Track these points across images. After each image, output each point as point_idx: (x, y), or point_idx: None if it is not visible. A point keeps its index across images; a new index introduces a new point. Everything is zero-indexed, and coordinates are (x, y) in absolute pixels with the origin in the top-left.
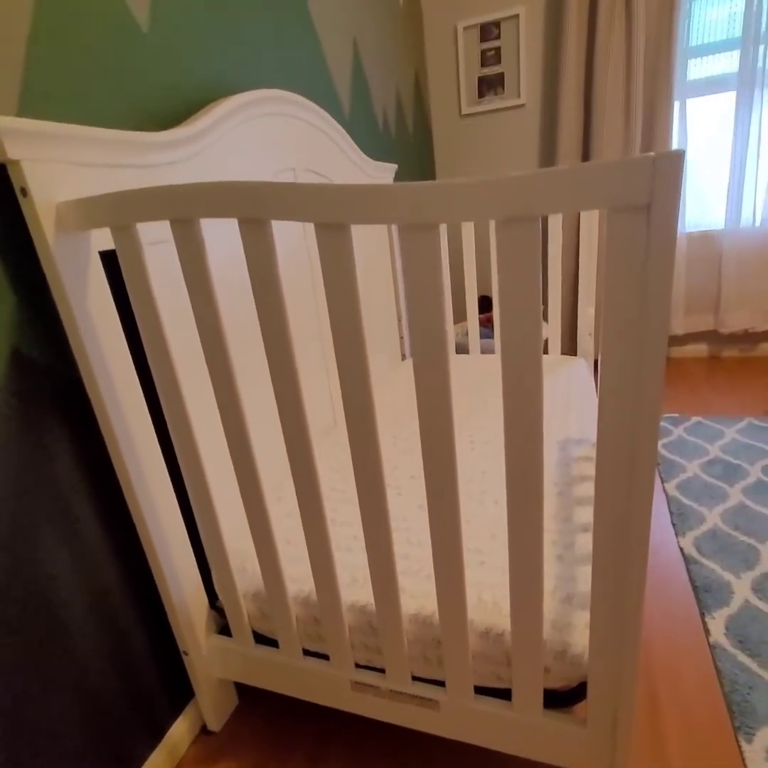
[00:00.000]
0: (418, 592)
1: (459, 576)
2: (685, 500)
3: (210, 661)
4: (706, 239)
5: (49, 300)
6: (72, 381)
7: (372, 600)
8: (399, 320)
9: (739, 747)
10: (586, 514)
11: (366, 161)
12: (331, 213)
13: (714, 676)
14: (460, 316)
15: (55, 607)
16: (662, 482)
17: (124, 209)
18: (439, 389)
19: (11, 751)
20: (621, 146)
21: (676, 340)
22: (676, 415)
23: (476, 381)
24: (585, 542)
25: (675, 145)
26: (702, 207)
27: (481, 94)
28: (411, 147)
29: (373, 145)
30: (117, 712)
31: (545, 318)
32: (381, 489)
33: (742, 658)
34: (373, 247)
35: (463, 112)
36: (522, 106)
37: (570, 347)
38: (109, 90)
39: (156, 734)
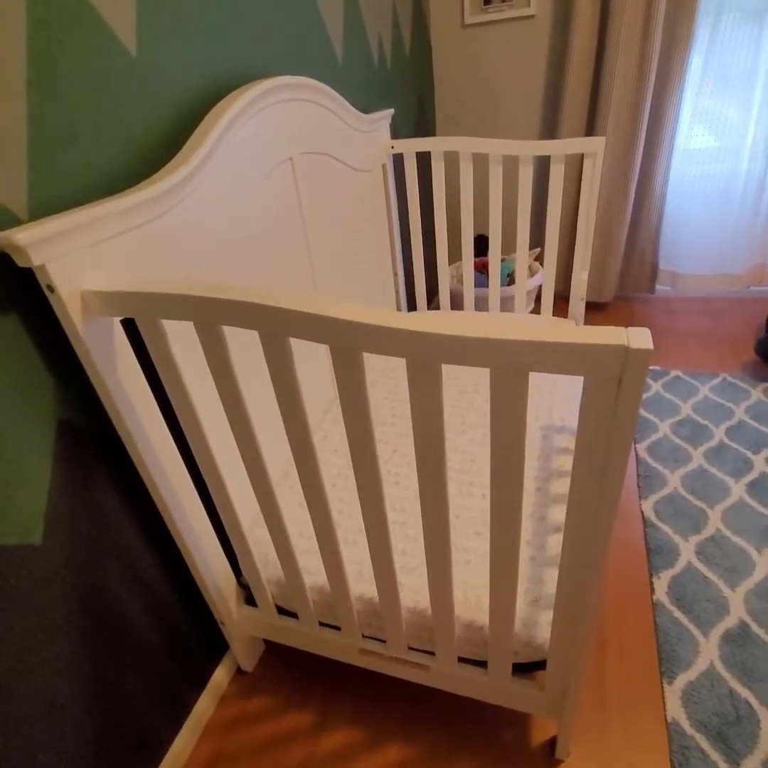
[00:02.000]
0: (415, 587)
1: (447, 579)
2: (652, 463)
3: (241, 625)
4: None
5: (84, 372)
6: (108, 433)
7: (376, 593)
8: (395, 274)
9: (662, 688)
10: (561, 514)
11: (361, 120)
12: (344, 341)
13: (652, 628)
14: (455, 256)
15: (118, 597)
16: (635, 443)
17: (147, 307)
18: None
19: (107, 685)
20: (633, 85)
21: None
22: (658, 367)
23: None
24: (556, 543)
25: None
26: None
27: (487, 1)
28: (408, 75)
29: (369, 89)
30: (170, 667)
31: (541, 263)
32: (381, 508)
33: (677, 614)
34: (366, 188)
35: (467, 21)
36: (531, 17)
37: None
38: (107, 128)
39: (202, 680)
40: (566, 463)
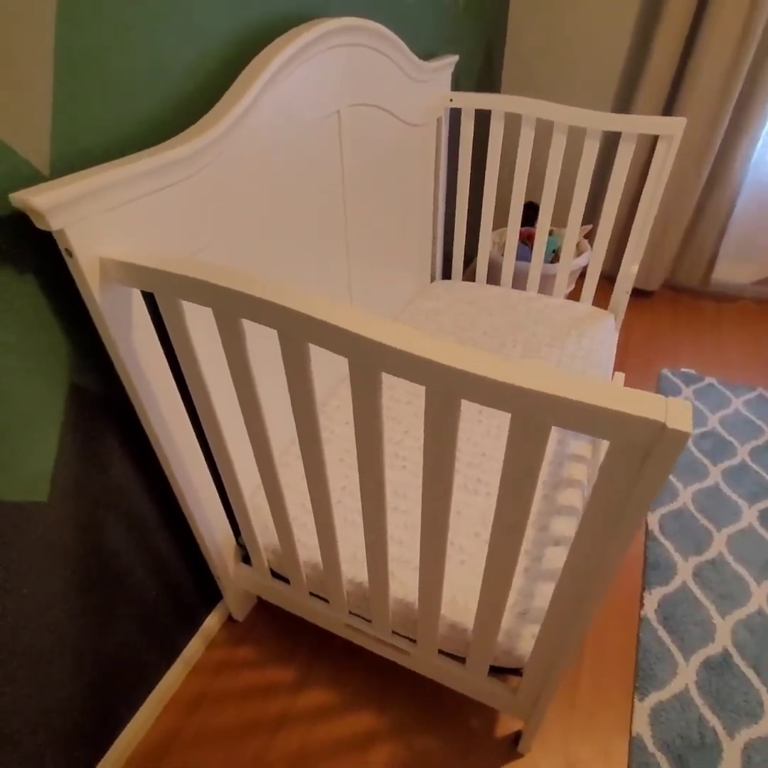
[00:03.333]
0: (406, 581)
1: (438, 581)
2: None
3: (236, 581)
4: None
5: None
6: (121, 397)
7: (367, 579)
8: (434, 237)
9: (633, 702)
10: (564, 525)
11: (420, 69)
12: (363, 358)
13: (634, 643)
14: (499, 222)
15: (119, 548)
16: None
17: (167, 285)
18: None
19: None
20: (727, 63)
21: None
22: (693, 371)
23: (498, 328)
24: (554, 556)
25: None
26: None
27: None
28: (481, 18)
29: (435, 32)
30: (165, 610)
31: (591, 243)
32: (381, 503)
33: (662, 633)
34: (416, 144)
35: None
36: None
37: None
38: (142, 71)
39: (194, 624)
40: (578, 472)
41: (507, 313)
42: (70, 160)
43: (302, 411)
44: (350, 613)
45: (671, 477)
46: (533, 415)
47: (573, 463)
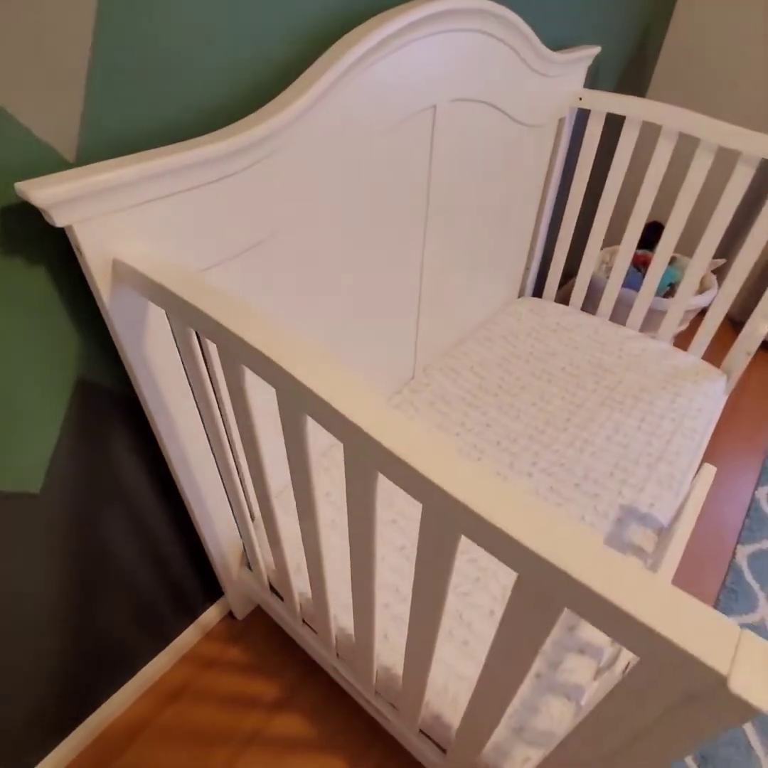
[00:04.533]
0: (399, 647)
1: (425, 669)
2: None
3: (238, 585)
4: None
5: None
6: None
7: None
8: (531, 250)
9: None
10: (593, 633)
11: (548, 61)
12: (359, 452)
13: None
14: (613, 239)
15: (118, 540)
16: (756, 487)
17: (174, 307)
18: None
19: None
20: None
21: None
22: None
23: (581, 365)
24: (572, 667)
25: None
26: None
27: None
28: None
29: (575, 15)
30: (164, 598)
31: (720, 281)
32: (371, 573)
33: None
34: (528, 146)
35: None
36: None
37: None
38: (199, 48)
39: (192, 614)
40: None
41: (596, 349)
42: (101, 148)
43: (299, 476)
44: (338, 655)
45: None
46: (544, 590)
47: (628, 552)
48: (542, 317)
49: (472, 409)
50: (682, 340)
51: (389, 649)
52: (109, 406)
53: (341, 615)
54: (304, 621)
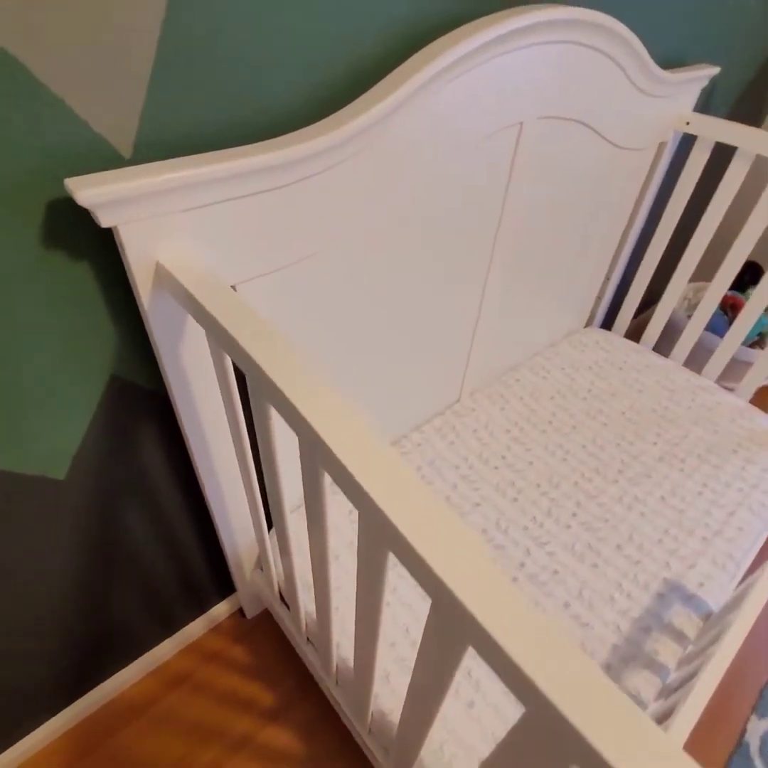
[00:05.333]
0: (399, 691)
1: (424, 730)
2: None
3: (251, 586)
4: None
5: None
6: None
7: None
8: (607, 279)
9: None
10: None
11: (657, 79)
12: (372, 524)
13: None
14: (701, 274)
15: (135, 530)
16: None
17: (215, 333)
18: None
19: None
20: None
21: None
22: None
23: (643, 412)
24: None
25: None
26: None
27: None
28: None
29: (697, 31)
30: (174, 589)
31: None
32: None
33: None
34: (620, 171)
35: None
36: None
37: None
38: (279, 47)
39: (202, 606)
40: (669, 652)
41: (663, 395)
42: (161, 146)
43: (313, 511)
44: (338, 683)
45: None
46: (551, 738)
47: (659, 641)
48: (608, 352)
49: (516, 443)
50: (764, 398)
51: (389, 692)
52: (141, 402)
53: (344, 644)
54: (308, 639)
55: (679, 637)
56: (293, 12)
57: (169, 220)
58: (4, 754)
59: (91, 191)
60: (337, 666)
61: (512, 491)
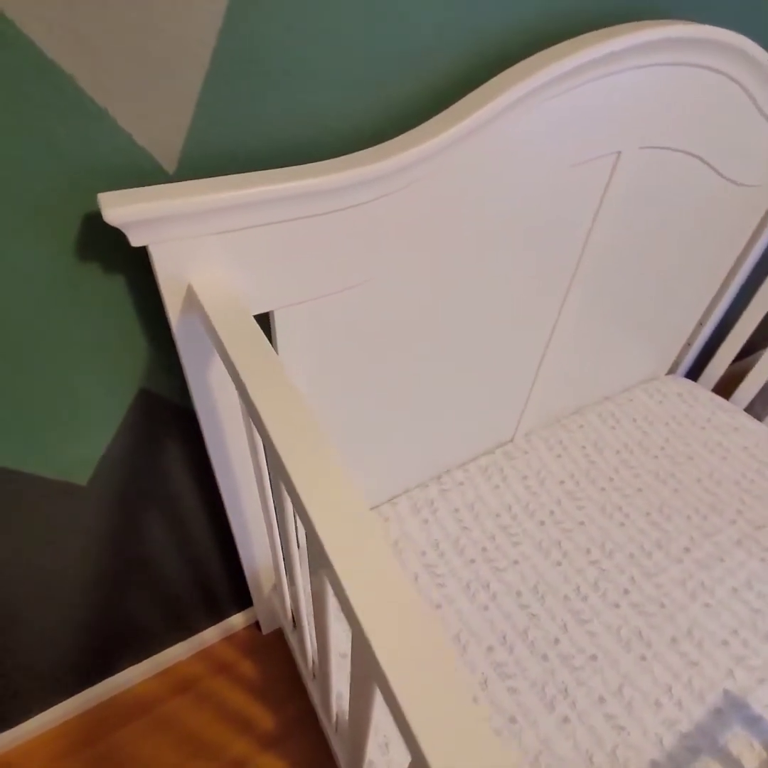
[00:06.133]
0: (398, 762)
1: None
2: None
3: (267, 602)
4: None
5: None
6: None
7: None
8: (700, 324)
9: None
10: None
11: None
12: (360, 659)
13: None
14: None
15: (156, 539)
16: None
17: (233, 375)
18: None
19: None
20: None
21: None
22: None
23: (723, 483)
24: None
25: None
26: None
27: None
28: None
29: None
30: (197, 598)
31: None
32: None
33: None
34: (733, 209)
35: None
36: None
37: None
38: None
39: (218, 616)
40: None
41: (751, 466)
42: (207, 162)
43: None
44: (337, 730)
45: None
46: None
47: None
48: (691, 406)
49: (568, 497)
50: None
51: (386, 764)
52: (169, 416)
53: (345, 695)
54: (314, 675)
55: (735, 765)
56: (362, 24)
57: (204, 242)
58: (11, 731)
59: (119, 209)
60: (336, 715)
61: (557, 553)
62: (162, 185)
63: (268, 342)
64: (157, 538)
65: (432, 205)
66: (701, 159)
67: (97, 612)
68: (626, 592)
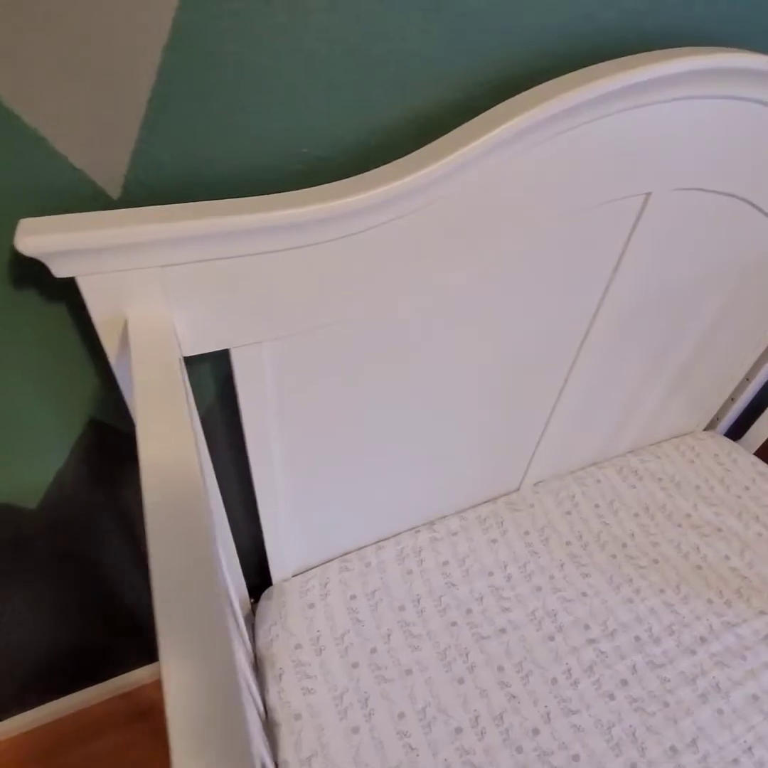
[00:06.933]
0: None
1: None
2: None
3: None
4: None
5: None
6: None
7: None
8: (747, 380)
9: None
10: None
11: None
12: None
13: None
14: None
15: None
16: None
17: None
18: None
19: None
20: None
21: None
22: None
23: (754, 564)
24: None
25: None
26: None
27: None
28: None
29: None
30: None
31: None
32: None
33: None
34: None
35: None
36: None
37: None
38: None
39: None
40: None
41: None
42: (159, 187)
43: None
44: None
45: None
46: None
47: None
48: (728, 470)
49: (573, 562)
50: None
51: None
52: (120, 445)
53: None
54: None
55: None
56: (334, 40)
57: (142, 275)
58: None
59: (34, 239)
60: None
61: (551, 626)
62: (94, 213)
63: (182, 395)
64: (109, 564)
65: (412, 244)
66: (747, 201)
67: (49, 633)
68: (624, 682)
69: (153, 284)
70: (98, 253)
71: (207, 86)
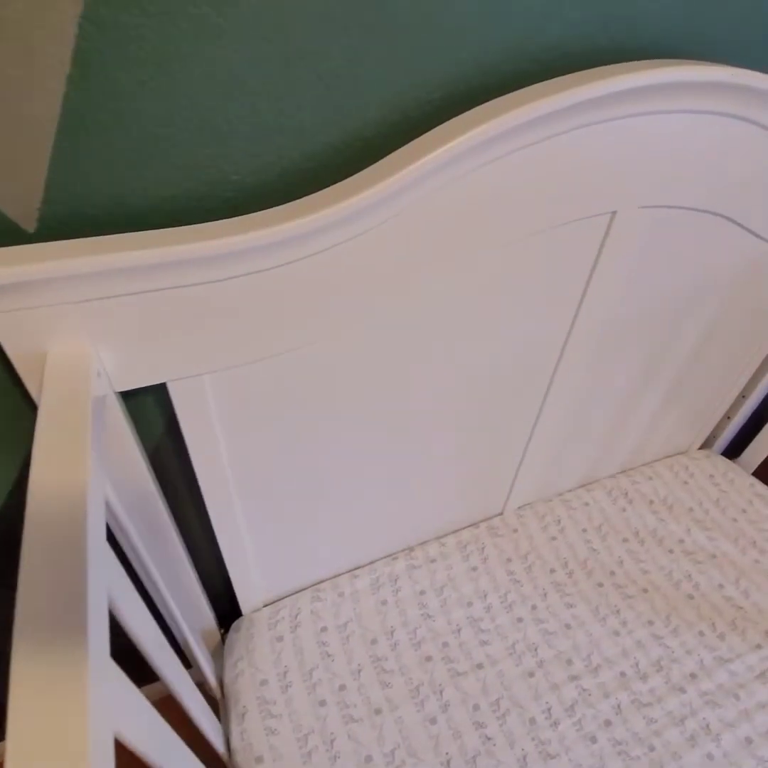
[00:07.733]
0: None
1: None
2: None
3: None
4: None
5: None
6: None
7: None
8: (743, 397)
9: None
10: None
11: None
12: None
13: None
14: None
15: None
16: None
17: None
18: None
19: None
20: None
21: None
22: None
23: (751, 593)
24: None
25: None
26: None
27: None
28: None
29: None
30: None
31: None
32: None
33: None
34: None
35: None
36: None
37: None
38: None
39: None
40: None
41: None
42: (76, 221)
43: None
44: None
45: None
46: None
47: None
48: (724, 491)
49: (557, 590)
50: None
51: None
52: None
53: None
54: None
55: None
56: (254, 61)
57: (57, 311)
58: None
59: None
60: None
61: (531, 661)
62: (3, 248)
63: (87, 442)
64: None
65: (367, 267)
66: (732, 220)
67: None
68: (608, 723)
69: (70, 320)
70: (5, 290)
71: (119, 114)
